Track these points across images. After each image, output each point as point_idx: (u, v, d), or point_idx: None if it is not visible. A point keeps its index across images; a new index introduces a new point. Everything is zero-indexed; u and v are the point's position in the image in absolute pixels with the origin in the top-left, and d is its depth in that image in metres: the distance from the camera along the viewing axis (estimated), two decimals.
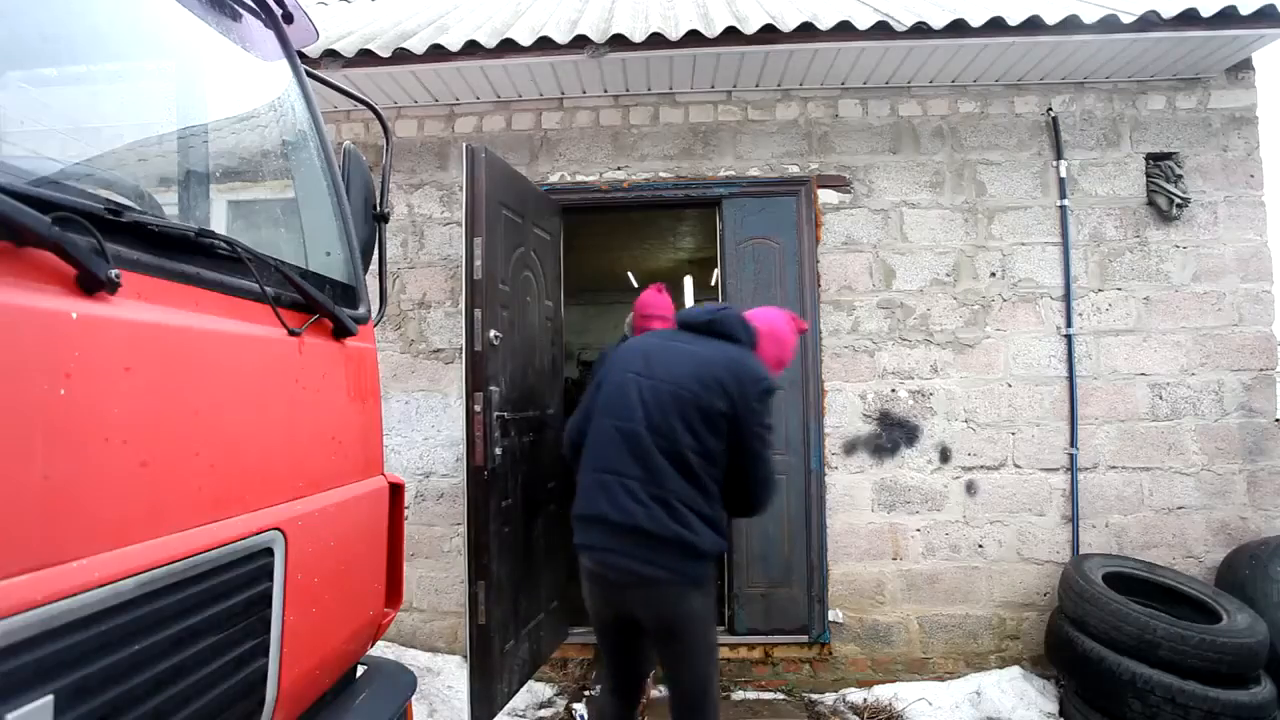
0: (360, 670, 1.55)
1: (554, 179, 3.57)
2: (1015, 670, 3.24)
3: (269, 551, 1.11)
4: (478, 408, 2.59)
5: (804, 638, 3.33)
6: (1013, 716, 2.98)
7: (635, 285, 9.22)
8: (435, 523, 3.49)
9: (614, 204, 3.61)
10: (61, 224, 0.77)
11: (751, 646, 3.35)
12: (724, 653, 3.26)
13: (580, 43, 3.05)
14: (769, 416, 1.89)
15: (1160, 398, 3.36)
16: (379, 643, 2.20)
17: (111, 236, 0.86)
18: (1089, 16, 2.99)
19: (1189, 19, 2.97)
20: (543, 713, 3.12)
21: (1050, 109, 3.47)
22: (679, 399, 1.83)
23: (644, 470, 1.81)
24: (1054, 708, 3.04)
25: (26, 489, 0.72)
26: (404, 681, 1.56)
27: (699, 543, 1.77)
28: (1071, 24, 2.97)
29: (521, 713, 3.10)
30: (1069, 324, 3.37)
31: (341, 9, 4.80)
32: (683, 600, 1.81)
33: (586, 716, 3.00)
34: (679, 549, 1.77)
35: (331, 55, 3.11)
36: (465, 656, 2.70)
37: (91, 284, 0.81)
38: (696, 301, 8.76)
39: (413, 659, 3.31)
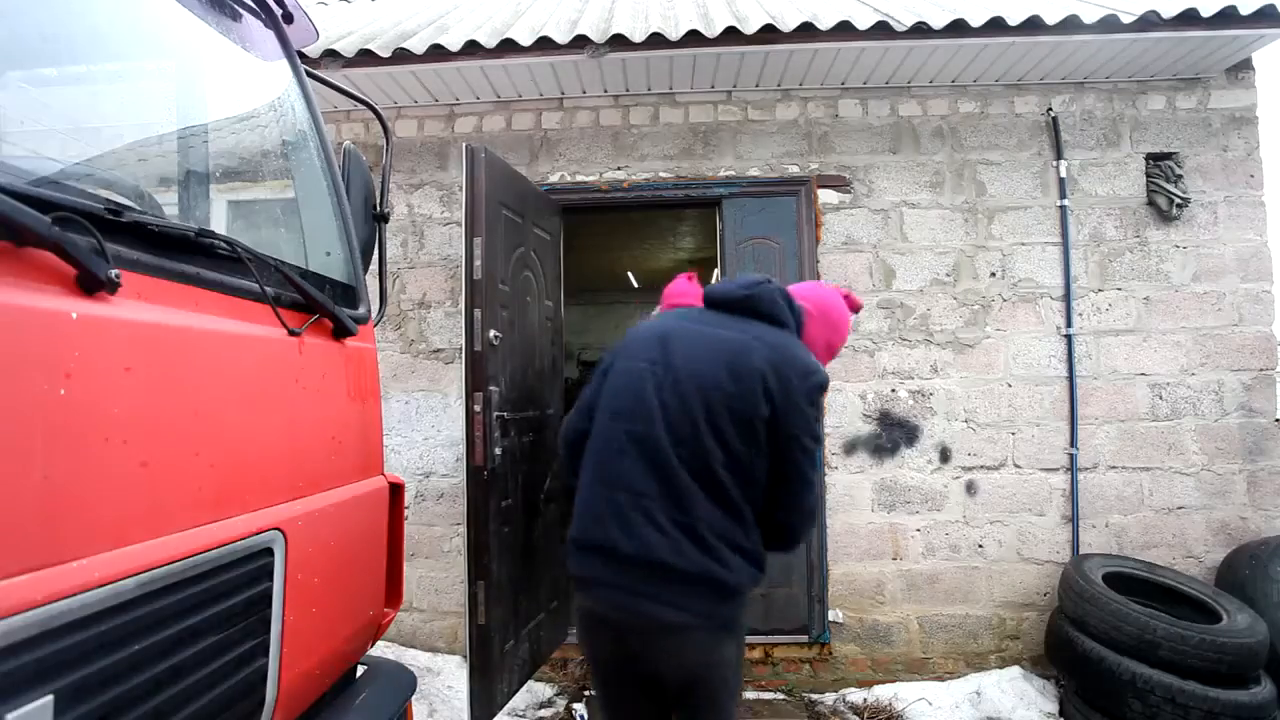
0: (360, 670, 1.55)
1: (554, 179, 3.57)
2: (1015, 670, 3.24)
3: (269, 551, 1.11)
4: (477, 408, 2.59)
5: (804, 638, 3.33)
6: (1013, 716, 2.98)
7: (635, 285, 9.22)
8: (435, 523, 3.49)
9: (614, 204, 3.61)
10: (61, 224, 0.77)
11: (751, 646, 3.35)
12: None
13: (580, 43, 3.05)
14: (820, 423, 1.50)
15: (1160, 398, 3.36)
16: (379, 643, 2.20)
17: (111, 236, 0.86)
18: (1089, 16, 2.99)
19: (1189, 19, 2.97)
20: (543, 713, 3.12)
21: (1050, 109, 3.47)
22: (706, 399, 1.44)
23: (664, 489, 1.42)
24: (1054, 708, 3.04)
25: (26, 489, 0.72)
26: (404, 681, 1.56)
27: (732, 579, 1.41)
28: (1071, 24, 2.97)
29: (521, 713, 3.10)
30: (1069, 324, 3.37)
31: (341, 9, 4.80)
32: (715, 649, 1.45)
33: (586, 716, 3.00)
34: (710, 589, 1.40)
35: (331, 55, 3.11)
36: (465, 656, 2.71)
37: (91, 284, 0.81)
38: None
39: (413, 659, 3.32)
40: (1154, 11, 2.97)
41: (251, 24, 1.47)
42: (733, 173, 3.52)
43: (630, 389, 1.51)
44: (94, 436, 0.81)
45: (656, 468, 1.44)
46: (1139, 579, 3.06)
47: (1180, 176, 3.37)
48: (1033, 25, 2.98)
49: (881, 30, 2.99)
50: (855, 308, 1.74)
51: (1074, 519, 3.33)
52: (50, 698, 0.70)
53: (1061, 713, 2.99)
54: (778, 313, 1.56)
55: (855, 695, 3.21)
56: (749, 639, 3.32)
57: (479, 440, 2.57)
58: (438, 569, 3.47)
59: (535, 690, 3.27)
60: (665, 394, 1.47)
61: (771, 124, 3.54)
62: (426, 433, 3.51)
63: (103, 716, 0.78)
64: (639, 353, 1.55)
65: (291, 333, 1.23)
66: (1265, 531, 3.27)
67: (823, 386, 1.49)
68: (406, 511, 3.15)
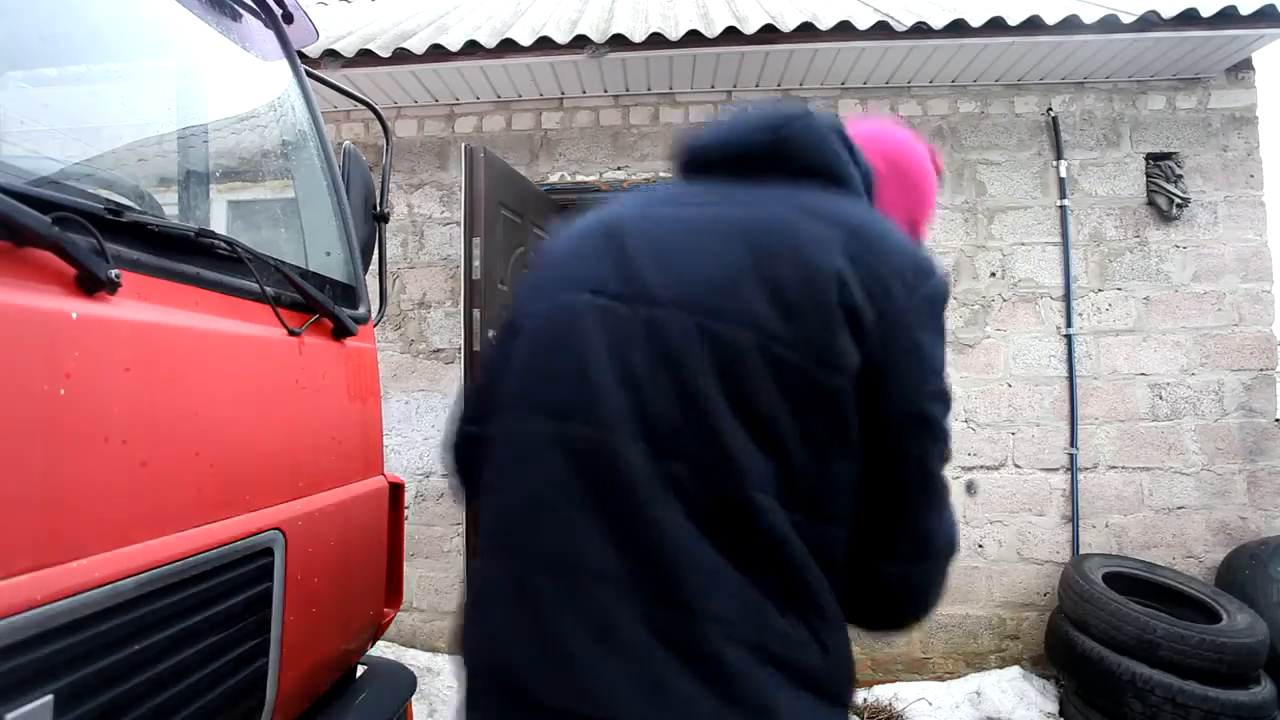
0: (360, 670, 1.55)
1: (554, 179, 3.57)
2: (1015, 670, 3.24)
3: (269, 551, 1.11)
4: None
5: None
6: (1013, 716, 2.98)
7: None
8: (435, 523, 3.48)
9: None
10: (61, 224, 0.77)
11: None
12: None
13: (580, 43, 3.05)
14: (944, 362, 0.75)
15: (1160, 398, 3.36)
16: (379, 643, 2.20)
17: (111, 236, 0.86)
18: (1089, 16, 2.99)
19: (1189, 19, 2.97)
20: None
21: (1050, 109, 3.47)
22: (723, 351, 0.68)
23: (638, 557, 0.67)
24: (1054, 708, 3.04)
25: (26, 489, 0.72)
26: (404, 681, 1.56)
27: None
28: (1071, 24, 2.97)
29: None
30: (1069, 324, 3.37)
31: (341, 9, 4.80)
32: None
33: None
34: None
35: (331, 55, 3.11)
36: None
37: (91, 284, 0.81)
38: None
39: (413, 659, 3.31)
40: (1154, 11, 2.97)
41: (251, 24, 1.47)
42: None
43: (559, 352, 0.74)
44: (94, 436, 0.81)
45: (620, 513, 0.67)
46: (1139, 579, 3.06)
47: (1180, 176, 3.37)
48: (1033, 25, 2.98)
49: (881, 30, 2.99)
50: (937, 169, 1.01)
51: (1074, 519, 3.32)
52: (50, 698, 0.70)
53: (1061, 713, 2.99)
54: (835, 164, 0.79)
55: (855, 695, 3.21)
56: None
57: None
58: (438, 569, 3.47)
59: None
60: (633, 353, 0.70)
61: None
62: (426, 433, 3.51)
63: (102, 716, 0.78)
64: (572, 275, 0.78)
65: (291, 333, 1.23)
66: (1265, 531, 3.27)
67: (947, 295, 0.75)
68: (406, 511, 3.15)
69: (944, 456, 0.74)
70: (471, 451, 0.85)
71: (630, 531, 0.67)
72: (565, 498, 0.70)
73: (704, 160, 0.84)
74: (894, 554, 0.74)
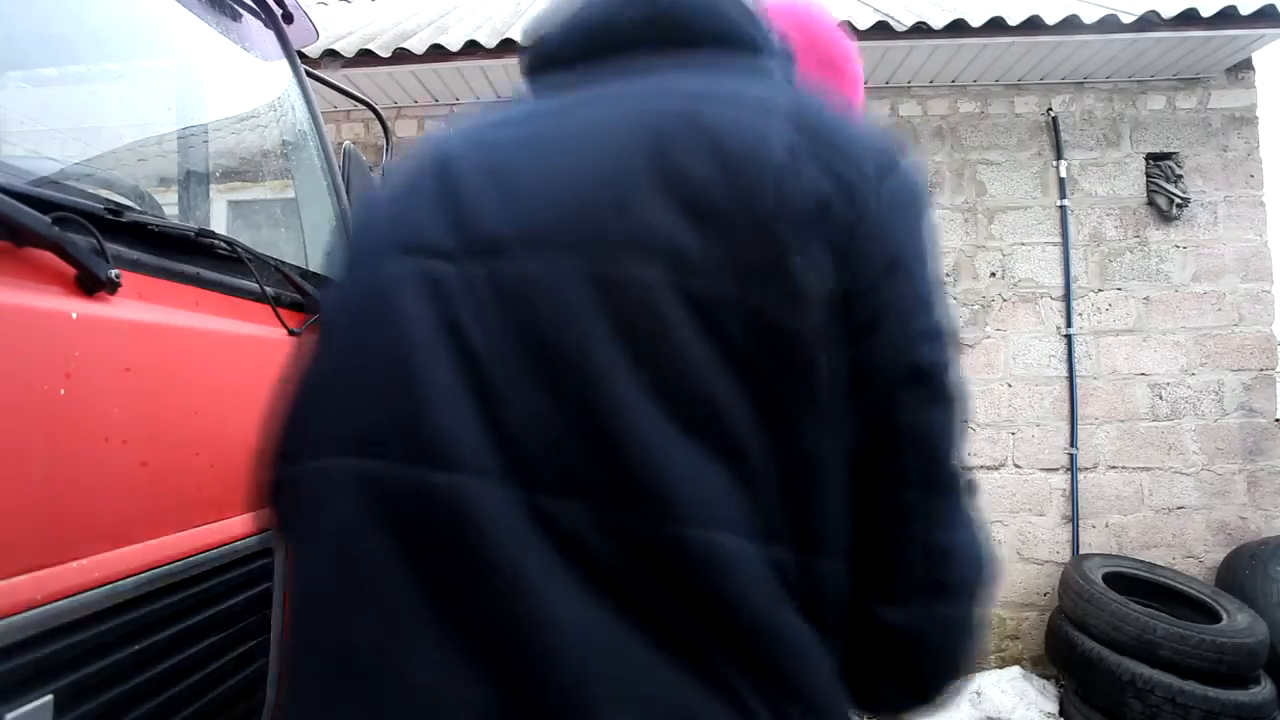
0: None
1: None
2: (1015, 670, 3.24)
3: (269, 551, 1.11)
4: None
5: None
6: (1013, 716, 2.98)
7: None
8: None
9: None
10: (61, 224, 0.77)
11: None
12: None
13: None
14: (936, 291, 0.49)
15: (1160, 398, 3.36)
16: None
17: (111, 236, 0.86)
18: (1089, 16, 2.99)
19: (1189, 19, 2.97)
20: None
21: (1050, 109, 3.46)
22: (616, 297, 0.43)
23: (495, 666, 0.40)
24: (1054, 708, 3.04)
25: (26, 489, 0.72)
26: None
27: None
28: (1071, 24, 2.97)
29: None
30: (1069, 324, 3.37)
31: (341, 9, 4.80)
32: None
33: None
34: None
35: (331, 55, 3.11)
36: None
37: (91, 284, 0.81)
38: None
39: None
40: (1154, 11, 2.97)
41: (251, 24, 1.47)
42: None
43: (368, 349, 0.50)
44: (94, 436, 0.81)
45: (470, 595, 0.42)
46: (1139, 579, 3.06)
47: (1180, 176, 3.37)
48: (1033, 25, 2.98)
49: (881, 30, 2.99)
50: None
51: (1074, 519, 3.32)
52: (50, 698, 0.70)
53: (1061, 713, 2.99)
54: (742, 30, 0.55)
55: None
56: None
57: None
58: None
59: None
60: (475, 333, 0.45)
61: None
62: None
63: (102, 716, 0.78)
64: (383, 235, 0.54)
65: (292, 333, 1.23)
66: (1265, 531, 3.27)
67: (925, 192, 0.53)
68: None
69: (950, 433, 0.50)
70: (282, 503, 0.57)
71: (487, 623, 0.41)
72: (380, 579, 0.44)
73: (558, 53, 0.57)
74: (895, 589, 0.49)
